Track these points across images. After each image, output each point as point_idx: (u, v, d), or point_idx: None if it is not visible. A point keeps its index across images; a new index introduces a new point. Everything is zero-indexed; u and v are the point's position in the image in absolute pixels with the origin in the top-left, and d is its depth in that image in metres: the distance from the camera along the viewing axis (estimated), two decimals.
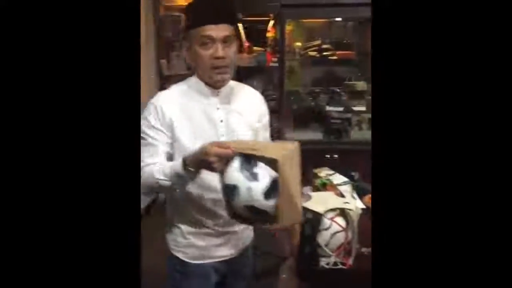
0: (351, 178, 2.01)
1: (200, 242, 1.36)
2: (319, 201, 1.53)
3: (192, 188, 1.28)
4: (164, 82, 3.65)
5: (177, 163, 1.16)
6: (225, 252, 1.39)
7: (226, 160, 1.07)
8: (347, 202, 1.56)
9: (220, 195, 1.16)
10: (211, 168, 1.09)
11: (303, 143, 1.15)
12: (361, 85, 3.05)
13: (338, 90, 3.28)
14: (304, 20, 3.44)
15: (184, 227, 1.36)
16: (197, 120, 1.29)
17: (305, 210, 1.44)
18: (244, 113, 1.36)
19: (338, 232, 1.44)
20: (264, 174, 1.04)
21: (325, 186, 1.88)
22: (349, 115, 2.98)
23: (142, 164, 1.21)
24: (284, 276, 1.82)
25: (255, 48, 3.56)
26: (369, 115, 2.88)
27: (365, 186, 1.90)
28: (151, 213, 3.36)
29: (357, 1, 2.70)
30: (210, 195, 1.29)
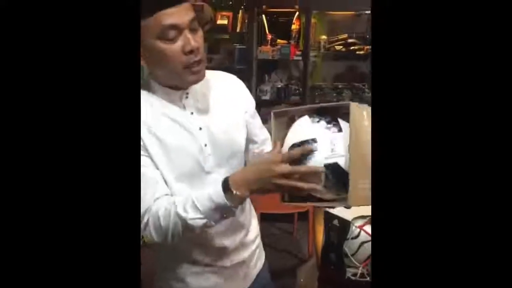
0: None
1: (203, 283, 1.07)
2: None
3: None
4: None
5: (215, 192, 0.88)
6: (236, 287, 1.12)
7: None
8: None
9: (223, 227, 0.99)
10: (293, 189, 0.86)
11: None
12: None
13: (362, 86, 3.22)
14: (331, 13, 3.36)
15: (180, 269, 1.06)
16: (169, 140, 0.94)
17: (332, 216, 1.37)
18: (226, 107, 1.02)
19: (367, 241, 1.33)
20: (344, 125, 0.85)
21: None
22: None
23: (143, 204, 0.89)
24: (302, 280, 1.76)
25: (278, 40, 3.47)
26: None
27: None
28: None
29: None
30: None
